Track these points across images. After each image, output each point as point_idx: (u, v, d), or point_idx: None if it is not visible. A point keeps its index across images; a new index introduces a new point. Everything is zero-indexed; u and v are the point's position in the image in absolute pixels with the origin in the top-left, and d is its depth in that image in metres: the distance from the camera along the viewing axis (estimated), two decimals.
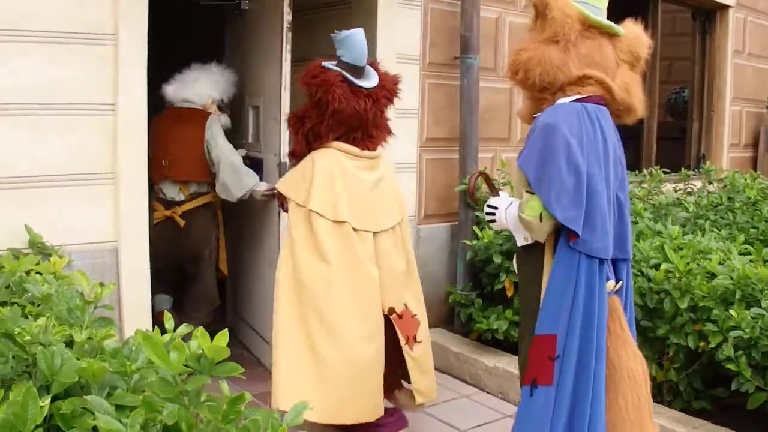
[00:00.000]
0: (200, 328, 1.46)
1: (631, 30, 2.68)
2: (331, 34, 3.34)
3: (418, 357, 3.40)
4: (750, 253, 3.86)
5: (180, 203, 4.28)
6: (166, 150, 4.15)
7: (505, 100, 5.21)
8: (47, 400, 1.45)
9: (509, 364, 4.13)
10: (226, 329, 1.51)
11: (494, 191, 2.90)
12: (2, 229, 3.15)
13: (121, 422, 1.40)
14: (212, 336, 1.49)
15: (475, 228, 4.55)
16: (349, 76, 3.24)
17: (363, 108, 3.22)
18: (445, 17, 4.81)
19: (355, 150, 3.28)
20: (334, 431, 3.34)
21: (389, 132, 3.50)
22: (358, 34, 3.31)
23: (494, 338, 4.41)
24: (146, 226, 3.55)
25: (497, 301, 4.48)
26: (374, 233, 3.30)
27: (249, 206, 4.40)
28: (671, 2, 6.96)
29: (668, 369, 3.63)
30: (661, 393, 3.70)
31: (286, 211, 3.37)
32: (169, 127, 4.21)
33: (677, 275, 3.55)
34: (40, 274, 2.60)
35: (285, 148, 4.01)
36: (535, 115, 2.61)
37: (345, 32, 3.31)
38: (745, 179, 5.37)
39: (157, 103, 4.42)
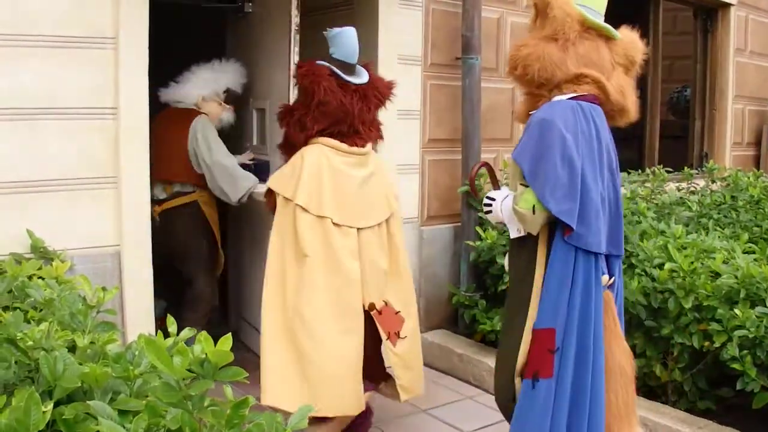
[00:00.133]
0: (203, 333, 1.45)
1: (627, 35, 2.76)
2: (324, 32, 3.40)
3: (402, 353, 3.43)
4: (754, 252, 3.86)
5: (161, 202, 4.28)
6: (154, 149, 4.16)
7: (507, 100, 5.20)
8: (50, 406, 1.45)
9: None
10: (230, 333, 1.50)
11: (495, 183, 2.98)
12: (4, 234, 3.15)
13: (124, 427, 1.40)
14: (216, 340, 1.48)
15: (478, 229, 4.54)
16: (336, 71, 3.32)
17: (349, 101, 3.28)
18: (447, 18, 4.80)
19: (344, 146, 3.33)
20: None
21: (379, 133, 3.53)
22: (349, 31, 3.39)
23: (498, 339, 4.40)
24: (148, 230, 3.54)
25: (501, 302, 4.47)
26: (358, 229, 3.35)
27: (250, 207, 4.39)
28: (672, 1, 6.95)
29: (673, 369, 3.62)
30: (666, 393, 3.70)
31: (273, 211, 3.39)
32: (159, 127, 4.22)
33: (681, 275, 3.54)
34: (43, 278, 2.60)
35: None
36: (531, 113, 2.68)
37: (336, 29, 3.39)
38: (748, 178, 5.36)
39: (159, 106, 4.43)
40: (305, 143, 3.34)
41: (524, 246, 2.67)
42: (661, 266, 3.67)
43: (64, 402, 1.53)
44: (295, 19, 4.08)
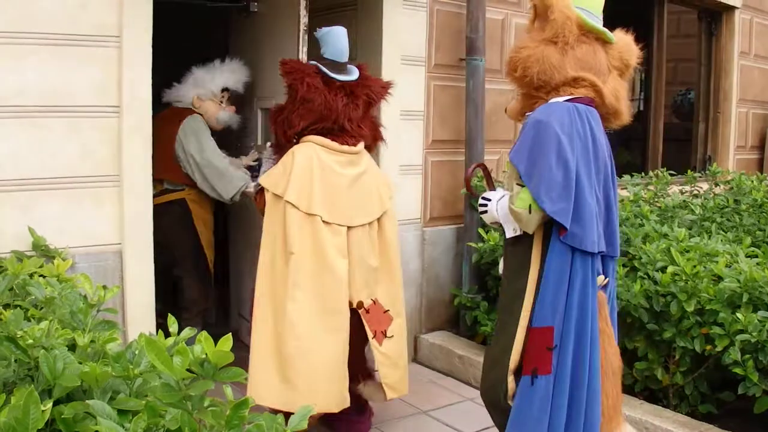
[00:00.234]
0: (204, 333, 1.44)
1: (623, 38, 2.81)
2: (314, 32, 3.45)
3: (388, 352, 3.47)
4: (757, 256, 3.84)
5: None
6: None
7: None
8: (49, 405, 1.44)
9: None
10: (230, 333, 1.50)
11: (491, 184, 3.02)
12: (6, 232, 3.15)
13: (123, 427, 1.40)
14: (216, 340, 1.47)
15: (480, 230, 4.53)
16: (323, 68, 3.36)
17: (332, 98, 3.31)
18: (451, 19, 4.80)
19: (334, 144, 3.35)
20: (324, 427, 3.45)
21: (376, 132, 3.56)
22: (337, 30, 3.43)
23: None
24: (150, 229, 3.54)
25: None
26: (349, 227, 3.37)
27: (251, 208, 4.39)
28: (677, 3, 6.94)
29: (674, 372, 3.62)
30: (667, 397, 3.69)
31: (263, 212, 3.42)
32: (154, 126, 4.23)
33: (684, 278, 3.53)
34: (44, 276, 2.59)
35: None
36: (527, 114, 2.72)
37: (325, 29, 3.44)
38: (752, 181, 5.35)
39: (164, 106, 4.44)
40: (294, 140, 3.38)
41: (519, 245, 2.71)
42: (663, 269, 3.67)
43: (63, 401, 1.53)
44: (304, 20, 4.09)
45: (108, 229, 3.44)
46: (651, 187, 5.19)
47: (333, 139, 3.35)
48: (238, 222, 4.91)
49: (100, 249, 3.42)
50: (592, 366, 2.62)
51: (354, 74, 3.45)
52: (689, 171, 5.82)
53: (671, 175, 5.39)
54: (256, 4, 4.64)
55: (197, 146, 4.19)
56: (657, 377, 3.65)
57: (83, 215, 3.36)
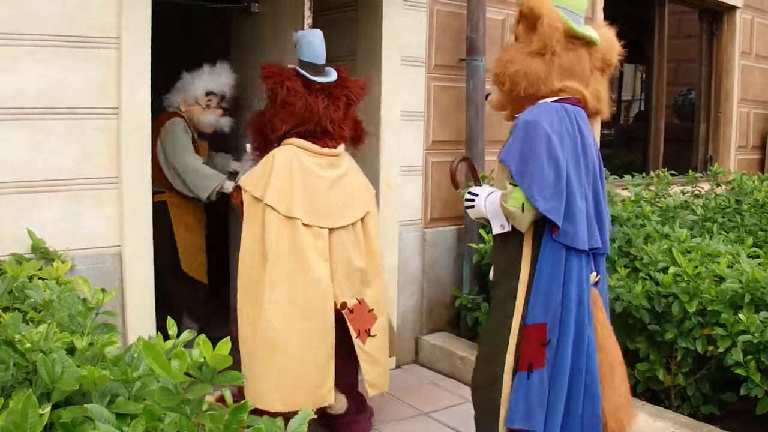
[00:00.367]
0: (202, 336, 1.44)
1: (605, 37, 2.85)
2: (291, 35, 3.53)
3: (370, 350, 3.51)
4: (759, 256, 3.83)
5: None
6: None
7: None
8: (47, 408, 1.44)
9: None
10: (228, 337, 1.49)
11: (476, 178, 3.07)
12: (5, 234, 3.14)
13: (122, 431, 1.39)
14: (215, 343, 1.47)
15: (481, 231, 4.52)
16: (301, 71, 3.41)
17: (313, 100, 3.36)
18: (451, 19, 4.79)
19: (314, 147, 3.40)
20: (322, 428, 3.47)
21: (357, 132, 3.61)
22: (314, 33, 3.51)
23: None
24: (150, 231, 3.53)
25: None
26: (330, 229, 3.40)
27: None
28: (678, 3, 6.93)
29: (676, 373, 3.61)
30: (669, 398, 3.68)
31: (241, 209, 3.46)
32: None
33: (685, 279, 3.52)
34: (43, 279, 2.59)
35: None
36: (516, 115, 2.76)
37: (302, 32, 3.53)
38: (753, 181, 5.34)
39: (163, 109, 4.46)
40: (276, 144, 3.42)
41: (509, 244, 2.75)
42: (665, 270, 3.66)
43: (62, 404, 1.52)
44: (308, 20, 4.09)
45: (107, 231, 3.43)
46: (652, 188, 5.18)
47: (314, 142, 3.40)
48: (237, 223, 4.90)
49: (100, 251, 3.41)
50: (589, 360, 2.68)
51: (332, 76, 3.51)
52: (690, 171, 5.80)
53: (672, 175, 5.38)
54: (257, 4, 4.63)
55: (172, 148, 4.29)
56: (659, 378, 3.65)
57: (82, 217, 3.36)
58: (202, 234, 4.67)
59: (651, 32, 6.75)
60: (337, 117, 3.45)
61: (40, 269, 2.78)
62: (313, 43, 3.47)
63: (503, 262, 2.80)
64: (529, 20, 2.70)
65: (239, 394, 3.27)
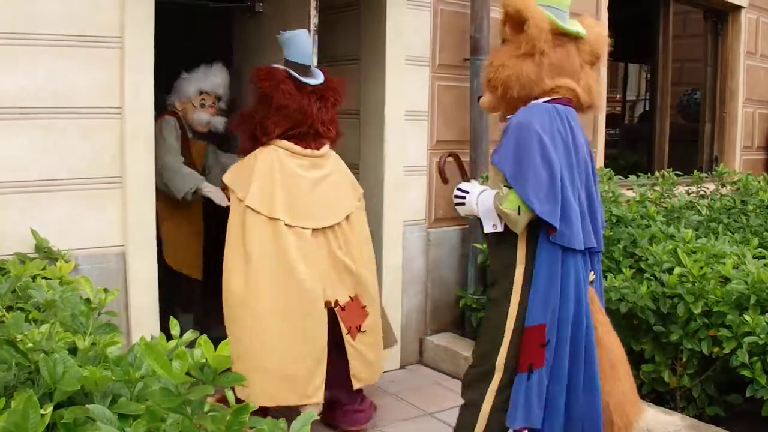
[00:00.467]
0: (203, 337, 1.43)
1: (593, 29, 2.86)
2: (277, 35, 3.54)
3: (360, 347, 3.53)
4: (764, 257, 3.82)
5: None
6: None
7: None
8: (49, 409, 1.43)
9: None
10: (229, 339, 1.48)
11: (464, 174, 3.09)
12: (9, 234, 3.14)
13: (123, 431, 1.38)
14: (216, 343, 1.46)
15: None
16: (293, 73, 3.43)
17: (307, 103, 3.39)
18: (455, 19, 4.78)
19: (297, 148, 3.43)
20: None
21: (338, 131, 3.64)
22: (301, 34, 3.52)
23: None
24: (153, 230, 3.54)
25: None
26: (313, 230, 3.42)
27: None
28: (683, 3, 6.91)
29: (681, 375, 3.59)
30: (675, 399, 3.66)
31: (227, 213, 3.48)
32: None
33: (691, 279, 3.51)
34: (47, 278, 2.58)
35: None
36: (508, 117, 2.78)
37: (289, 32, 3.52)
38: (758, 182, 5.32)
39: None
40: (265, 144, 3.44)
41: (502, 243, 2.76)
42: (670, 271, 3.64)
43: (64, 405, 1.51)
44: (314, 20, 4.09)
45: (111, 230, 3.43)
46: (657, 188, 5.16)
47: (297, 143, 3.43)
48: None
49: (103, 251, 3.41)
50: (588, 359, 2.69)
51: (320, 77, 3.54)
52: (695, 171, 5.79)
53: (677, 175, 5.36)
54: (261, 4, 4.63)
55: (157, 146, 4.26)
56: (664, 379, 3.63)
57: (86, 217, 3.36)
58: (193, 230, 4.65)
59: (656, 32, 6.74)
60: (327, 118, 3.49)
61: (44, 269, 2.77)
62: (301, 43, 3.49)
63: (499, 264, 2.81)
64: (515, 22, 2.71)
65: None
